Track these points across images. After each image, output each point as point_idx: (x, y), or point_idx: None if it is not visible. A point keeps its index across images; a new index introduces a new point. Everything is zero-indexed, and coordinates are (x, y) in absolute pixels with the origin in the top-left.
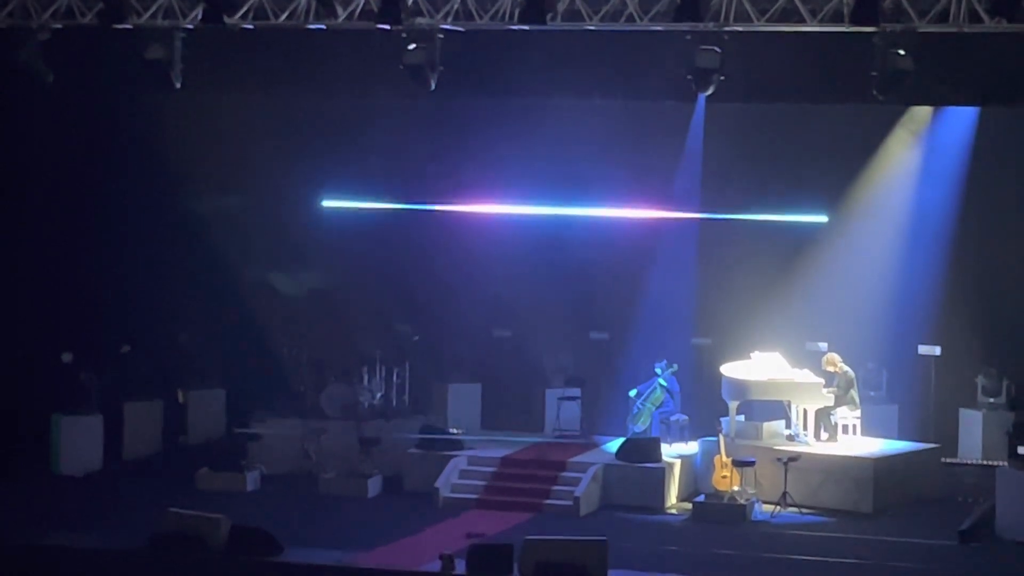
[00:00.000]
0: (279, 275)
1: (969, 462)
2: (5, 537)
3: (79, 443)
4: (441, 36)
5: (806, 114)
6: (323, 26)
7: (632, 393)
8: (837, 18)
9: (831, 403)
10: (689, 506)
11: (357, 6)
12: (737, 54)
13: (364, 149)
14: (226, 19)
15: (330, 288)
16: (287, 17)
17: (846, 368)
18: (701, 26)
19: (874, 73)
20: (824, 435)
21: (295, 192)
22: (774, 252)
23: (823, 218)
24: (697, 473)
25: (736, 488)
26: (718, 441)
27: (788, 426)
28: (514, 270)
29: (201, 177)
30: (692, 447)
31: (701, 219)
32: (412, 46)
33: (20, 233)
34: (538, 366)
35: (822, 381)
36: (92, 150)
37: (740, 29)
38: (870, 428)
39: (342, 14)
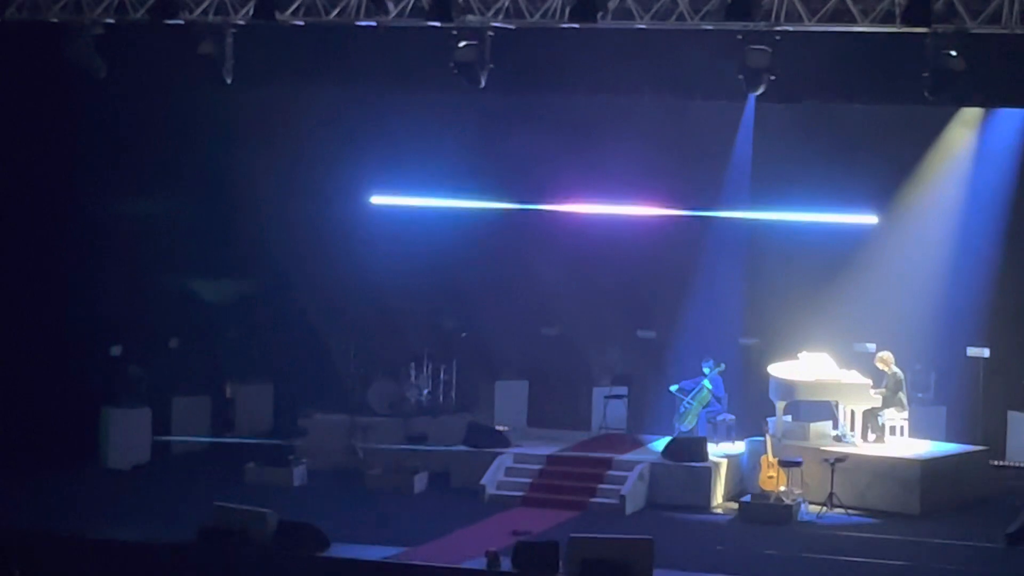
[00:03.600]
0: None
1: (1017, 464)
2: (54, 529)
3: (127, 436)
4: (491, 34)
5: (856, 114)
6: (373, 23)
7: (673, 388)
8: (888, 18)
9: (879, 404)
10: (735, 506)
11: (408, 3)
12: (787, 54)
13: (413, 146)
14: (277, 15)
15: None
16: (338, 14)
17: (896, 369)
18: (752, 25)
19: (925, 74)
20: (871, 436)
21: (344, 188)
22: (823, 252)
23: (873, 219)
24: (743, 473)
25: (783, 488)
26: (765, 441)
27: (835, 427)
28: (562, 267)
29: (251, 172)
30: (739, 447)
31: (750, 219)
32: (462, 43)
33: (70, 226)
34: (585, 364)
35: (870, 382)
36: (143, 144)
37: (791, 29)
38: (918, 430)
39: (393, 11)
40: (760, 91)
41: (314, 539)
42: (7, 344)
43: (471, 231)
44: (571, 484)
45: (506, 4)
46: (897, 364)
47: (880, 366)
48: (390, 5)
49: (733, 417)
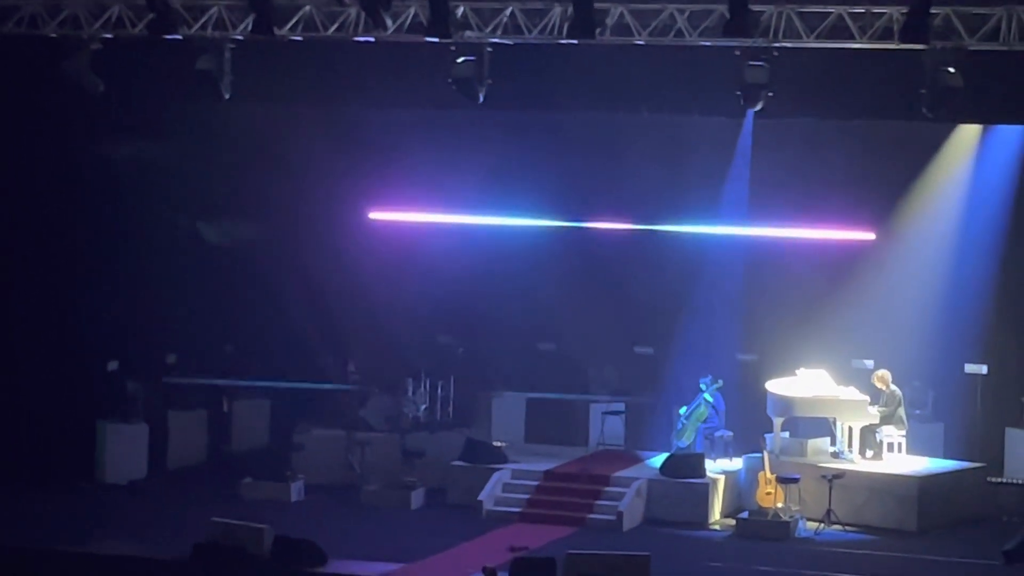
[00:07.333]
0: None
1: (1015, 482)
2: (50, 544)
3: (124, 451)
4: (490, 50)
5: (854, 131)
6: (372, 39)
7: (682, 411)
8: (887, 35)
9: (876, 420)
10: (733, 522)
11: (406, 19)
12: (786, 70)
13: (411, 161)
14: (276, 31)
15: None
16: (336, 29)
17: (894, 388)
18: (750, 42)
19: (923, 91)
20: (869, 453)
21: (342, 203)
22: (821, 269)
23: (871, 235)
24: (741, 489)
25: (780, 505)
26: (762, 457)
27: (833, 443)
28: (559, 284)
29: (249, 188)
30: (736, 463)
31: (748, 235)
32: (461, 59)
33: (67, 242)
34: (583, 380)
35: (868, 398)
36: (140, 160)
37: (789, 45)
38: (915, 446)
39: (391, 27)
40: (758, 107)
41: (311, 555)
42: (3, 360)
43: (468, 247)
44: (568, 500)
45: (504, 20)
46: (895, 381)
47: (878, 384)
48: (388, 21)
49: (731, 433)
